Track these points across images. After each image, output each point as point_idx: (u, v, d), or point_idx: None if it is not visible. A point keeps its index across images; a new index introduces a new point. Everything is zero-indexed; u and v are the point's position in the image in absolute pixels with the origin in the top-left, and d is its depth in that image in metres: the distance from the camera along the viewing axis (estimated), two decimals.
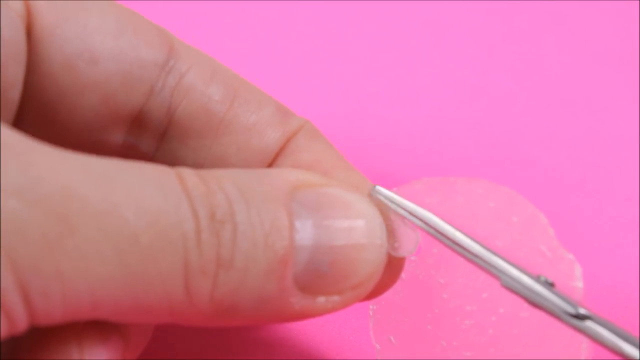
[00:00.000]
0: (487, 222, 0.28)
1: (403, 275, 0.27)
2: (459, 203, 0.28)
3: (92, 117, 0.26)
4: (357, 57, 0.45)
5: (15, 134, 0.20)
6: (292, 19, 0.47)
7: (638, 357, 0.22)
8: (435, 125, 0.41)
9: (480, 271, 0.24)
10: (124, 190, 0.20)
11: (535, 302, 0.23)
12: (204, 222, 0.21)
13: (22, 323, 0.19)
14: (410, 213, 0.25)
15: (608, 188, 0.38)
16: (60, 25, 0.25)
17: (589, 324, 0.23)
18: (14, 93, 0.24)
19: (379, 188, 0.26)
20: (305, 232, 0.23)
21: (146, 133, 0.27)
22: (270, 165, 0.27)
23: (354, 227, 0.23)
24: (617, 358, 0.22)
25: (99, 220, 0.19)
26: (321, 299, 0.23)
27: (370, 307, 0.28)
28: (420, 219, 0.25)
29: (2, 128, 0.20)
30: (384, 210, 0.25)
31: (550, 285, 0.23)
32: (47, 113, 0.25)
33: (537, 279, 0.24)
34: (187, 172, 0.22)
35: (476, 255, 0.24)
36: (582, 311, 0.23)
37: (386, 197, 0.26)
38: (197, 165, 0.27)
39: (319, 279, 0.23)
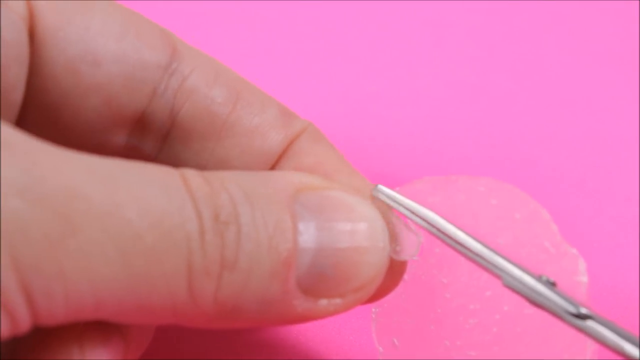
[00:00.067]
0: (490, 220, 0.28)
1: (405, 276, 0.27)
2: (461, 201, 0.28)
3: (95, 118, 0.26)
4: (357, 57, 0.45)
5: (19, 133, 0.20)
6: (292, 19, 0.47)
7: (639, 357, 0.22)
8: (435, 125, 0.41)
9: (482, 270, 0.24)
10: (128, 190, 0.20)
11: (537, 302, 0.23)
12: (207, 223, 0.21)
13: (24, 323, 0.19)
14: (412, 212, 0.25)
15: (608, 188, 0.38)
16: (63, 28, 0.25)
17: (590, 323, 0.23)
18: (17, 94, 0.24)
19: (381, 187, 0.26)
20: (308, 235, 0.23)
21: (149, 135, 0.27)
22: (272, 167, 0.27)
23: (357, 230, 0.23)
24: (619, 357, 0.22)
25: (102, 221, 0.19)
26: (323, 302, 0.23)
27: (373, 309, 0.28)
28: (422, 218, 0.25)
29: (5, 128, 0.20)
30: (386, 214, 0.25)
31: (552, 284, 0.24)
32: (50, 114, 0.25)
33: (539, 278, 0.24)
34: (191, 173, 0.22)
35: (478, 255, 0.24)
36: (583, 311, 0.23)
37: (388, 196, 0.26)
38: (199, 167, 0.27)
39: (322, 281, 0.23)
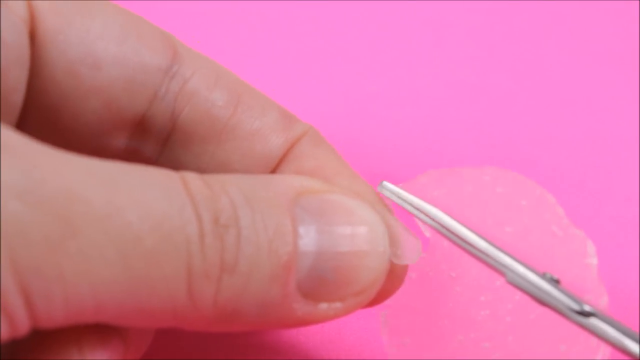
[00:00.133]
0: (497, 209, 0.28)
1: (412, 274, 0.27)
2: (467, 192, 0.28)
3: (95, 121, 0.26)
4: (357, 57, 0.45)
5: (19, 136, 0.20)
6: (292, 19, 0.47)
7: None
8: (435, 125, 0.41)
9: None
10: (128, 193, 0.20)
11: (540, 299, 0.24)
12: (207, 226, 0.21)
13: (23, 326, 0.19)
14: (417, 209, 0.25)
15: (608, 188, 0.38)
16: (64, 30, 0.25)
17: (593, 321, 0.23)
18: (17, 97, 0.24)
19: (386, 184, 0.26)
20: (308, 238, 0.23)
21: (149, 138, 0.27)
22: (273, 171, 0.27)
23: (357, 234, 0.23)
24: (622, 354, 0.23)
25: (102, 223, 0.19)
26: (323, 306, 0.23)
27: (382, 313, 0.28)
28: (427, 215, 0.25)
29: (5, 130, 0.19)
30: (387, 217, 0.25)
31: (555, 282, 0.24)
32: (50, 117, 0.25)
33: (542, 275, 0.24)
34: (191, 176, 0.22)
35: (482, 252, 0.24)
36: (586, 308, 0.23)
37: (393, 193, 0.26)
38: (200, 170, 0.26)
39: (322, 285, 0.23)
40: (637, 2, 0.47)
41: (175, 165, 0.27)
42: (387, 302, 0.26)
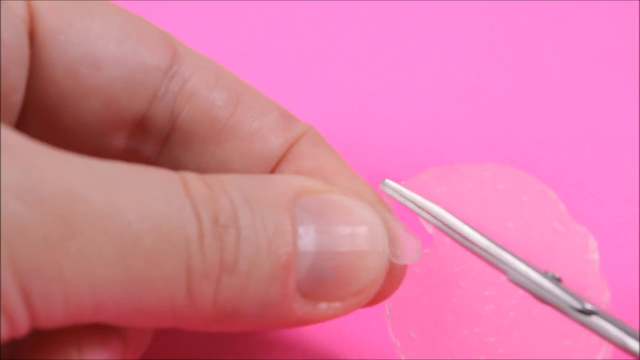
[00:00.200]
0: (498, 205, 0.28)
1: (416, 269, 0.27)
2: (468, 189, 0.28)
3: (95, 121, 0.26)
4: (357, 57, 0.45)
5: (18, 136, 0.20)
6: (292, 19, 0.47)
7: None
8: (435, 125, 0.41)
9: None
10: (128, 193, 0.20)
11: (542, 297, 0.24)
12: (207, 226, 0.21)
13: (23, 326, 0.19)
14: (419, 206, 0.25)
15: (608, 188, 0.38)
16: (63, 30, 0.25)
17: (594, 319, 0.23)
18: (17, 97, 0.24)
19: (388, 181, 0.26)
20: (308, 238, 0.23)
21: (149, 138, 0.27)
22: (272, 171, 0.27)
23: (356, 234, 0.23)
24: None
25: (102, 223, 0.19)
26: (323, 305, 0.23)
27: (386, 306, 0.28)
28: (429, 212, 0.25)
29: (4, 130, 0.19)
30: (387, 217, 0.25)
31: (557, 280, 0.24)
32: (50, 117, 0.25)
33: (544, 274, 0.24)
34: (190, 176, 0.22)
35: (484, 250, 0.24)
36: (588, 306, 0.23)
37: (395, 190, 0.26)
38: (199, 170, 0.27)
39: (321, 285, 0.23)
40: (637, 2, 0.47)
41: (174, 165, 0.27)
42: (392, 296, 0.26)
